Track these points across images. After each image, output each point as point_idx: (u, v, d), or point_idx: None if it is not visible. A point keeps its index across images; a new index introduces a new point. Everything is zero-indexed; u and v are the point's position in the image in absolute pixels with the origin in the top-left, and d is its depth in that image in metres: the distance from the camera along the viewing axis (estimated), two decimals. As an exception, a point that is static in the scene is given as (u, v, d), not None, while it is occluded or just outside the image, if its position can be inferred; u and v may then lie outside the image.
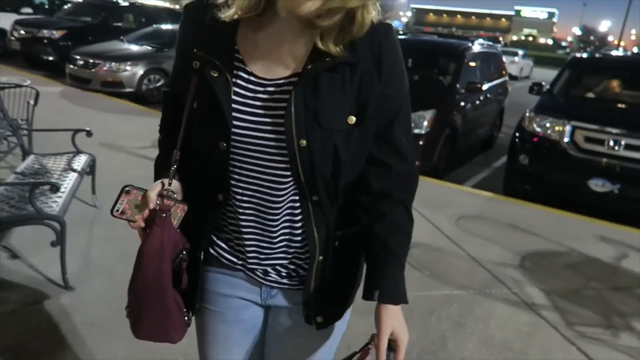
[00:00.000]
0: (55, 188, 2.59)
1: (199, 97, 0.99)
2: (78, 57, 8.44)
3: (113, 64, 8.19)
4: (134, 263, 1.03)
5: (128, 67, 8.20)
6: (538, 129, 5.10)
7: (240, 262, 1.13)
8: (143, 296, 1.05)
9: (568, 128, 4.89)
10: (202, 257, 1.12)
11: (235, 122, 0.96)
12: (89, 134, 3.61)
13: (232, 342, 1.21)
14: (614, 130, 4.70)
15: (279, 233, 1.07)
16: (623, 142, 4.63)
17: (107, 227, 3.41)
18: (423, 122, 5.46)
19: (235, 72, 0.97)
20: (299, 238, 1.07)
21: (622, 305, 3.11)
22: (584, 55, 7.23)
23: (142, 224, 1.00)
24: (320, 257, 1.06)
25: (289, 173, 0.98)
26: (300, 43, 0.95)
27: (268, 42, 0.96)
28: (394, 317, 1.03)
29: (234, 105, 0.96)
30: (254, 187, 1.02)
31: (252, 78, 0.97)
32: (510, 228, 4.23)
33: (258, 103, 0.97)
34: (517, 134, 5.31)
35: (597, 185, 4.65)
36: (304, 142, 0.94)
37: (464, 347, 2.54)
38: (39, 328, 2.35)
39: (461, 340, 2.59)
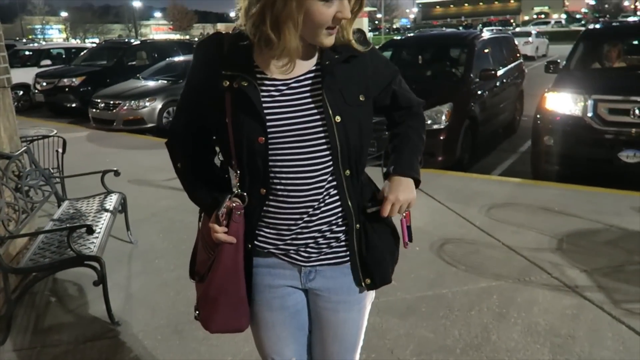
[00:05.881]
0: (90, 230, 2.69)
1: (233, 109, 1.16)
2: (99, 100, 8.73)
3: (132, 102, 8.44)
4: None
5: (147, 103, 8.43)
6: (559, 108, 5.00)
7: (282, 246, 1.27)
8: (223, 286, 1.24)
9: (590, 102, 4.78)
10: (250, 249, 1.27)
11: (269, 117, 1.16)
12: (116, 173, 3.74)
13: (280, 327, 1.35)
14: (639, 99, 4.58)
15: (314, 208, 1.23)
16: (649, 110, 4.51)
17: (144, 260, 3.52)
18: (441, 116, 5.43)
19: (259, 80, 1.18)
20: (334, 211, 1.25)
21: (670, 276, 3.01)
22: (597, 26, 7.07)
23: (225, 230, 1.21)
24: (357, 225, 1.27)
25: (328, 152, 1.19)
26: (306, 49, 1.19)
27: (279, 54, 1.17)
28: (400, 188, 1.27)
29: (265, 104, 1.17)
30: (292, 175, 1.19)
31: (275, 82, 1.19)
32: (543, 212, 4.15)
33: (285, 98, 1.19)
34: (538, 116, 5.21)
35: (629, 156, 4.53)
36: (339, 118, 1.18)
37: (509, 338, 2.50)
38: (91, 366, 2.44)
39: (505, 331, 2.56)
